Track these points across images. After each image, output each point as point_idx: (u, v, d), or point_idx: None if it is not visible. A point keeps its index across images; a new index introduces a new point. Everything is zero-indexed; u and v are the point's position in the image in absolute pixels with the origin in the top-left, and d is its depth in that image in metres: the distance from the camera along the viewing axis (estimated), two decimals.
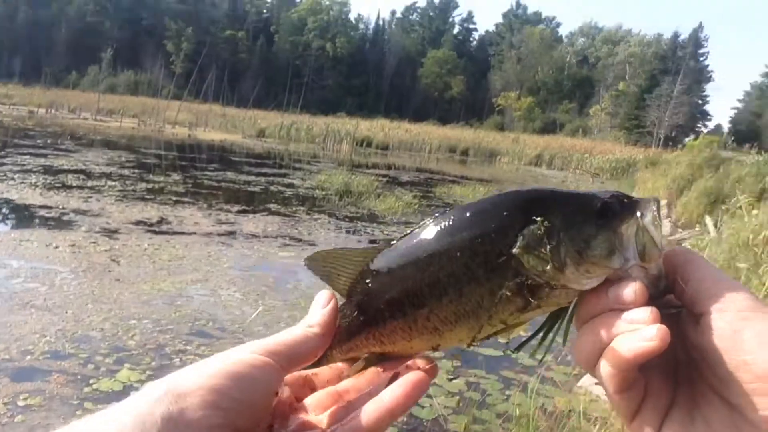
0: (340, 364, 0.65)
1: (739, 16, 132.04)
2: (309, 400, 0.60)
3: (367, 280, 0.62)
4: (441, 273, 0.56)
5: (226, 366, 0.49)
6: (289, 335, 0.57)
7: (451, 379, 4.63)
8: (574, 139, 48.74)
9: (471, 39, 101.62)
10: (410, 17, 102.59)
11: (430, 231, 0.58)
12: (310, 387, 0.63)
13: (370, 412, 0.54)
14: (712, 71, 73.52)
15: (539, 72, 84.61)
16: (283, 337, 0.57)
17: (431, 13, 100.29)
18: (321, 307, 0.62)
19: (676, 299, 0.51)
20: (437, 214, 0.59)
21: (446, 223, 0.58)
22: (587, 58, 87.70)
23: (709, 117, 75.24)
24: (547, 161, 37.25)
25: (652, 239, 0.51)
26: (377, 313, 0.61)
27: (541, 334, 0.60)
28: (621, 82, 75.54)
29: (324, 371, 0.64)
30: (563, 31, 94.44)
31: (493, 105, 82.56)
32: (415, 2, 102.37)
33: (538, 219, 0.53)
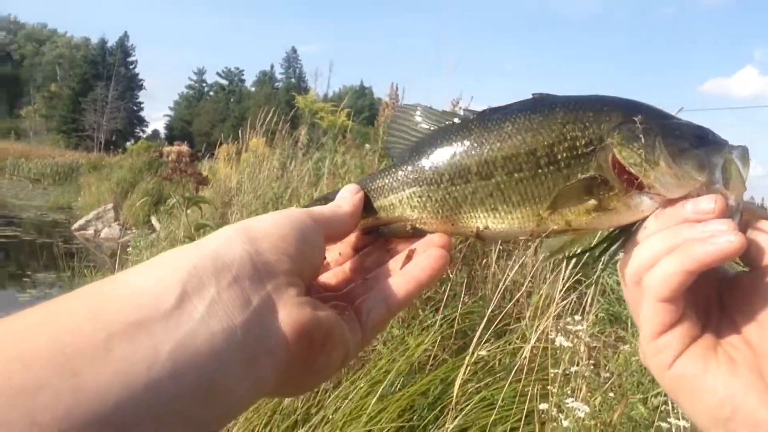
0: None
1: (163, 30, 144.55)
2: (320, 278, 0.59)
3: (439, 138, 0.60)
4: (522, 148, 0.56)
5: (288, 218, 0.50)
6: (323, 209, 0.56)
7: None
8: (6, 142, 43.52)
9: None
10: None
11: (521, 108, 0.58)
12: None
13: (398, 282, 0.54)
14: (143, 79, 77.33)
15: None
16: (319, 209, 0.56)
17: None
18: (350, 194, 0.61)
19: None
20: (532, 97, 0.59)
21: (540, 104, 0.57)
22: (10, 55, 79.27)
23: (146, 123, 79.00)
24: None
25: (739, 173, 0.52)
26: (435, 173, 0.60)
27: (597, 251, 0.60)
28: (53, 84, 71.44)
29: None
30: None
31: None
32: None
33: (637, 119, 0.54)
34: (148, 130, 78.32)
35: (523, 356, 2.31)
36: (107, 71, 69.83)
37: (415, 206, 0.60)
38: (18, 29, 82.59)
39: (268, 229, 0.47)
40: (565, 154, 0.55)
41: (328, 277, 0.59)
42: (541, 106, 0.57)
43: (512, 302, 2.77)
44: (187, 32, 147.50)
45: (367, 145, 5.28)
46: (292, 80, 77.67)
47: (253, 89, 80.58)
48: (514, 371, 2.28)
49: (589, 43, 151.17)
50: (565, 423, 1.92)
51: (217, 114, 73.52)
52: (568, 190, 0.54)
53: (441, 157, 0.59)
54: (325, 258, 0.54)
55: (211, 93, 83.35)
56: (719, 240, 0.46)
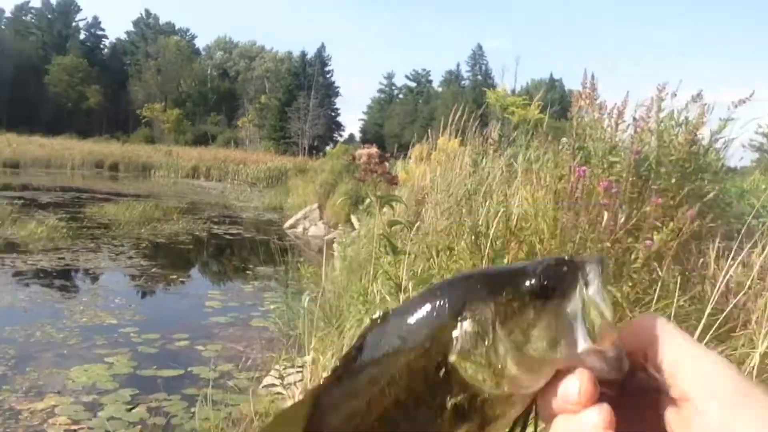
0: None
1: (350, 40, 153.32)
2: None
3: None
4: (386, 402, 0.45)
5: None
6: None
7: (130, 409, 4.43)
8: (227, 150, 49.68)
9: (102, 46, 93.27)
10: (24, 18, 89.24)
11: (367, 353, 0.47)
12: None
13: None
14: (338, 87, 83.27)
15: (182, 84, 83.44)
16: None
17: (49, 16, 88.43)
18: None
19: (647, 379, 0.42)
20: (372, 328, 0.48)
21: (381, 338, 0.46)
22: (227, 72, 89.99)
23: (342, 127, 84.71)
24: (204, 173, 37.43)
25: (603, 314, 0.42)
26: None
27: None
28: (262, 96, 79.54)
29: None
30: (200, 44, 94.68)
31: (138, 117, 78.16)
32: (28, 2, 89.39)
33: (468, 309, 0.43)
34: (345, 134, 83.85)
35: (752, 364, 2.10)
36: (308, 81, 76.08)
37: None
38: (232, 48, 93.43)
39: None
40: (426, 390, 0.43)
41: None
42: (382, 339, 0.45)
43: (734, 305, 2.53)
44: (376, 39, 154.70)
45: (564, 139, 5.12)
46: (479, 77, 77.71)
47: (440, 89, 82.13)
48: None
49: None
50: None
51: (406, 116, 76.11)
52: (450, 429, 0.43)
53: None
54: None
55: (401, 95, 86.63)
56: None
